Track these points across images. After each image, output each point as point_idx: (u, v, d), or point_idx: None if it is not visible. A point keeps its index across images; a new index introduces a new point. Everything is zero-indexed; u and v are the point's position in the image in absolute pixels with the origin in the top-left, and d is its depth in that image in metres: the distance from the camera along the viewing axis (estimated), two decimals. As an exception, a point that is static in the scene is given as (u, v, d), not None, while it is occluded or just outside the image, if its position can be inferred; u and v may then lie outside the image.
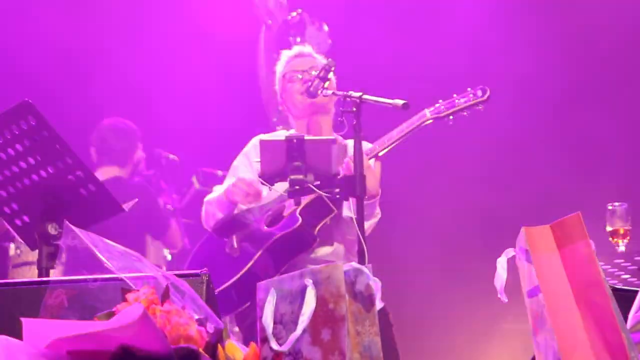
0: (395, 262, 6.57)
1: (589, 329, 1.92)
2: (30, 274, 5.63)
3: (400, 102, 3.59)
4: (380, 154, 3.94)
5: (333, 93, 3.83)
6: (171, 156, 6.65)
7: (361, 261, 3.54)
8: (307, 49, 4.39)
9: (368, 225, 3.78)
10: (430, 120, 3.92)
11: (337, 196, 3.62)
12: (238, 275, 3.93)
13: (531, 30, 7.06)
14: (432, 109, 3.94)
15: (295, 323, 1.84)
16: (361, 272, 1.84)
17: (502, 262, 2.06)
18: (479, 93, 3.97)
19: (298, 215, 3.91)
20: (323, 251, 4.07)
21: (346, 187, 3.58)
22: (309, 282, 1.84)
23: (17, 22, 7.12)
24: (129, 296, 1.89)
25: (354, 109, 3.62)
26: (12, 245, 5.85)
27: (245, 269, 3.93)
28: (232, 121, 7.17)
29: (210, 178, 6.31)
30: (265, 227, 4.04)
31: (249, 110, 7.14)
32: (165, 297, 1.90)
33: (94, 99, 7.10)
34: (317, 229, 3.95)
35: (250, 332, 3.89)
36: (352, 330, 1.81)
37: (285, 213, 4.01)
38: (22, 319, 1.79)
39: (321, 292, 1.83)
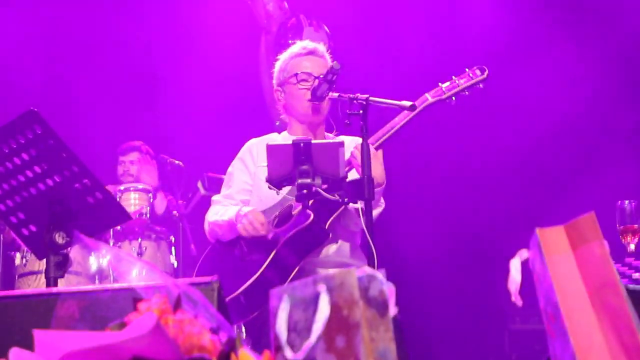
0: (401, 260, 6.54)
1: (605, 331, 1.90)
2: (36, 284, 5.63)
3: (407, 103, 3.56)
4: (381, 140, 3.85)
5: (340, 96, 3.75)
6: (176, 162, 6.63)
7: (371, 265, 3.51)
8: (321, 47, 4.19)
9: (373, 214, 3.66)
10: (432, 102, 3.86)
11: (345, 199, 3.57)
12: (251, 280, 3.86)
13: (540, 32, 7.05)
14: (432, 91, 3.89)
15: (310, 330, 1.81)
16: (374, 277, 1.81)
17: (515, 265, 2.04)
18: (478, 72, 3.95)
19: (309, 211, 3.85)
20: (329, 251, 4.01)
21: (354, 190, 3.53)
22: (322, 288, 1.81)
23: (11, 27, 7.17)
24: (141, 306, 1.86)
25: (361, 112, 3.59)
26: (17, 255, 5.85)
27: (259, 273, 3.86)
28: (236, 125, 7.16)
29: (216, 183, 6.25)
30: (274, 229, 3.99)
31: (252, 114, 7.14)
32: (177, 306, 1.87)
33: (100, 105, 7.12)
34: (328, 223, 3.91)
35: (259, 341, 3.84)
36: (367, 337, 1.78)
37: (294, 211, 3.95)
38: (34, 331, 1.77)
39: (335, 298, 1.80)
